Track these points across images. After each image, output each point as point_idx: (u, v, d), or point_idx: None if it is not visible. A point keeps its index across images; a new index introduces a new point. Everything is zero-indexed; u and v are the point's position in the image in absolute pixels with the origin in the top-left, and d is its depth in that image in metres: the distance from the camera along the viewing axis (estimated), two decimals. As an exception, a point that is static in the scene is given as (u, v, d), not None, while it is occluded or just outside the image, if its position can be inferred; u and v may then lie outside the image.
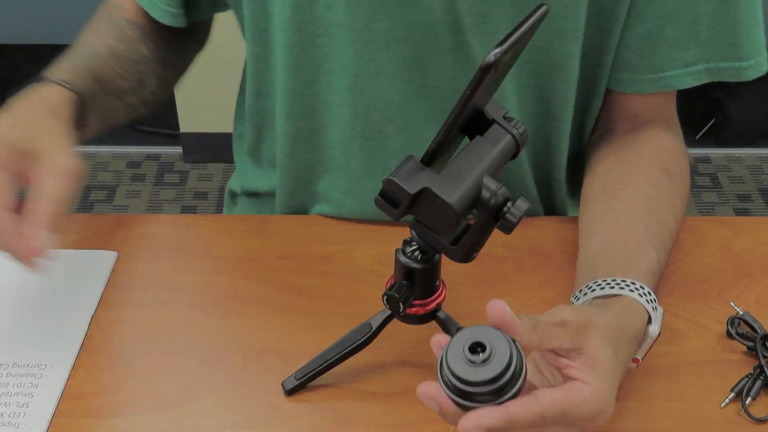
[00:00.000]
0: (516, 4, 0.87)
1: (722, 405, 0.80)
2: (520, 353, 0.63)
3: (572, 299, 0.80)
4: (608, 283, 0.78)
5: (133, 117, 1.01)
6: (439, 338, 0.65)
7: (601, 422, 0.67)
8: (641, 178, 0.91)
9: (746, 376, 0.82)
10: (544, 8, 0.67)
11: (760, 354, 0.82)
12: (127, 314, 0.89)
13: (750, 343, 0.84)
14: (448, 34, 0.90)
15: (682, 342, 0.87)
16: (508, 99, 0.94)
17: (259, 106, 1.03)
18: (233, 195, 1.18)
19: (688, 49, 0.93)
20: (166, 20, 0.99)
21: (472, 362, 0.62)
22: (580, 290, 0.79)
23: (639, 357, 0.78)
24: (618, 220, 0.87)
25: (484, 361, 0.62)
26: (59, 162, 0.78)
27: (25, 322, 0.87)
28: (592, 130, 1.02)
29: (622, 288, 0.77)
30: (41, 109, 0.86)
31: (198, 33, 1.08)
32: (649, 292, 0.78)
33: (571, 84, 0.95)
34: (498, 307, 0.64)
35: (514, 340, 0.64)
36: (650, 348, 0.78)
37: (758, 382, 0.81)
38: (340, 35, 0.91)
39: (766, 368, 0.81)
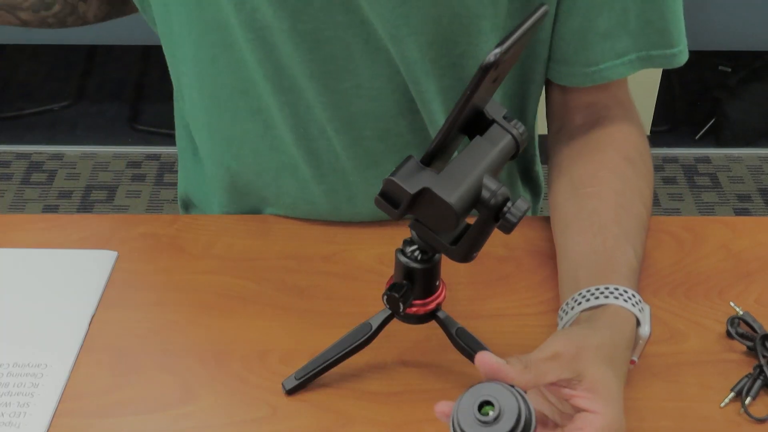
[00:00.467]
0: (436, 5, 0.87)
1: (722, 405, 0.80)
2: (525, 401, 0.65)
3: (560, 313, 0.81)
4: (592, 294, 0.79)
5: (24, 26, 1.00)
6: (443, 407, 0.66)
7: None
8: (606, 171, 0.92)
9: (746, 376, 0.82)
10: (544, 8, 0.67)
11: (760, 354, 0.82)
12: (127, 314, 0.89)
13: (750, 343, 0.84)
14: (373, 33, 0.89)
15: (682, 342, 0.87)
16: (432, 100, 0.94)
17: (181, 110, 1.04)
18: (186, 205, 1.17)
19: (619, 39, 0.93)
20: None
21: (484, 423, 0.63)
22: (567, 303, 0.80)
23: (635, 358, 0.78)
24: (592, 222, 0.87)
25: (496, 418, 0.63)
26: None
27: (25, 322, 0.87)
28: (550, 122, 1.02)
29: (606, 297, 0.78)
30: None
31: None
32: (633, 295, 0.79)
33: (541, 58, 0.96)
34: (485, 360, 0.65)
35: (518, 390, 0.65)
36: (644, 347, 0.78)
37: (758, 382, 0.81)
38: (272, 37, 0.90)
39: (765, 368, 0.81)
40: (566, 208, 0.91)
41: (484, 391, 0.65)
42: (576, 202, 0.91)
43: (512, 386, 0.65)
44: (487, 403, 0.64)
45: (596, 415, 0.68)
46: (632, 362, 0.78)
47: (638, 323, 0.78)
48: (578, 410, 0.68)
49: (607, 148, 0.94)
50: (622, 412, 0.70)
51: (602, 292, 0.79)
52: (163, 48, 0.99)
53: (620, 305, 0.77)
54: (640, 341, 0.78)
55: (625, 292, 0.78)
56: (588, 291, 0.79)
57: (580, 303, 0.79)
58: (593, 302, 0.78)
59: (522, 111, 1.02)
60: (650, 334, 0.78)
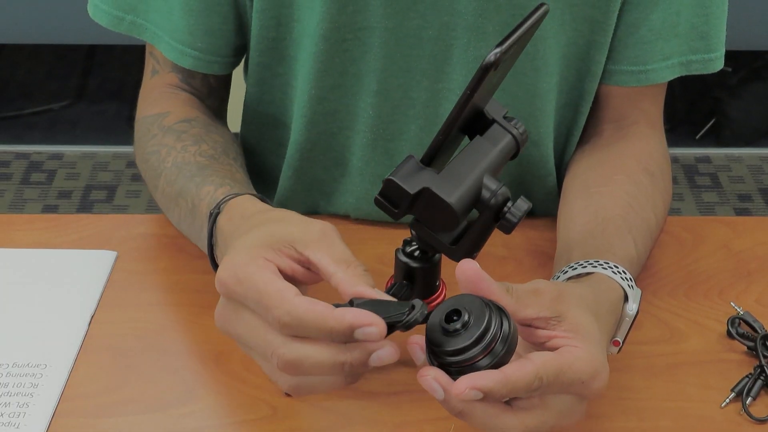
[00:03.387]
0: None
1: (722, 405, 0.80)
2: (503, 315, 0.62)
3: None
4: (581, 264, 0.78)
5: None
6: (416, 338, 0.64)
7: (600, 386, 0.66)
8: (622, 176, 0.91)
9: (746, 376, 0.82)
10: (544, 8, 0.67)
11: (760, 354, 0.82)
12: (127, 314, 0.89)
13: (750, 343, 0.84)
14: (476, 40, 0.90)
15: (682, 342, 0.87)
16: (551, 90, 0.95)
17: (262, 112, 1.02)
18: None
19: (667, 41, 0.93)
20: (216, 69, 0.97)
21: (450, 332, 0.62)
22: (555, 275, 0.79)
23: (619, 339, 0.77)
24: (597, 213, 0.87)
25: (464, 326, 0.61)
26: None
27: (25, 322, 0.87)
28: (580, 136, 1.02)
29: (594, 266, 0.77)
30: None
31: None
32: (624, 271, 0.77)
33: (596, 75, 0.96)
34: (466, 268, 0.63)
35: (495, 305, 0.63)
36: (630, 330, 0.77)
37: (758, 382, 0.81)
38: (370, 37, 0.91)
39: (766, 368, 0.81)
40: (574, 203, 0.91)
41: (453, 302, 0.63)
42: (585, 198, 0.90)
43: (491, 301, 0.63)
44: (456, 312, 0.62)
45: (575, 347, 0.65)
46: (616, 343, 0.76)
47: (626, 299, 0.76)
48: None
49: (628, 157, 0.94)
50: (606, 361, 0.67)
51: (590, 263, 0.77)
52: (252, 56, 0.98)
53: (607, 275, 0.76)
54: (626, 318, 0.76)
55: (616, 266, 0.77)
56: (577, 263, 0.78)
57: (566, 272, 0.78)
58: (580, 270, 0.77)
59: (570, 128, 1.02)
60: (636, 314, 0.76)
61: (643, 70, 0.95)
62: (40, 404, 0.79)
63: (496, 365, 0.62)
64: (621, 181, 0.91)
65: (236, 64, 1.00)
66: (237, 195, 0.79)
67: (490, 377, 0.61)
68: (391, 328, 0.62)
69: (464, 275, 0.64)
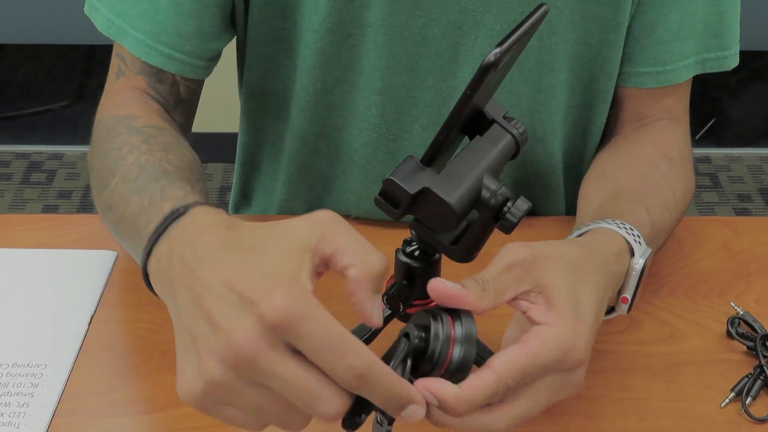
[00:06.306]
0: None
1: (722, 405, 0.80)
2: (446, 329, 0.61)
3: None
4: (585, 225, 0.76)
5: None
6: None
7: (577, 357, 0.63)
8: (639, 161, 0.91)
9: (746, 376, 0.82)
10: (544, 8, 0.67)
11: (760, 354, 0.82)
12: (127, 314, 0.89)
13: (750, 343, 0.84)
14: (482, 38, 0.90)
15: (682, 342, 0.87)
16: (558, 87, 0.95)
17: (263, 104, 1.02)
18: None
19: (685, 40, 0.93)
20: (199, 74, 0.95)
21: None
22: None
23: (627, 296, 0.74)
24: (611, 191, 0.86)
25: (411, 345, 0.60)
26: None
27: (25, 322, 0.87)
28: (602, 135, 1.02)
29: (597, 224, 0.75)
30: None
31: None
32: (631, 228, 0.74)
33: (611, 75, 0.96)
34: (438, 288, 0.61)
35: (454, 312, 0.61)
36: (638, 286, 0.74)
37: (758, 382, 0.81)
38: (375, 34, 0.91)
39: (766, 368, 0.81)
40: (590, 188, 0.90)
41: (408, 325, 0.62)
42: (602, 183, 0.89)
43: (438, 309, 0.61)
44: (406, 334, 0.61)
45: (544, 328, 0.62)
46: (624, 299, 0.74)
47: (632, 254, 0.74)
48: (533, 325, 0.64)
49: (646, 145, 0.94)
50: (585, 329, 0.64)
51: (594, 222, 0.75)
52: (255, 48, 0.97)
53: (610, 228, 0.73)
54: (633, 273, 0.74)
55: (622, 223, 0.74)
56: (582, 226, 0.76)
57: (571, 234, 0.76)
58: (583, 230, 0.75)
59: (586, 127, 1.01)
60: (643, 270, 0.74)
61: (663, 70, 0.95)
62: (40, 404, 0.79)
63: (459, 373, 0.61)
64: (638, 165, 0.90)
65: (211, 70, 0.97)
66: (208, 204, 0.69)
67: (447, 391, 0.59)
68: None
69: (438, 296, 0.62)
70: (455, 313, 0.62)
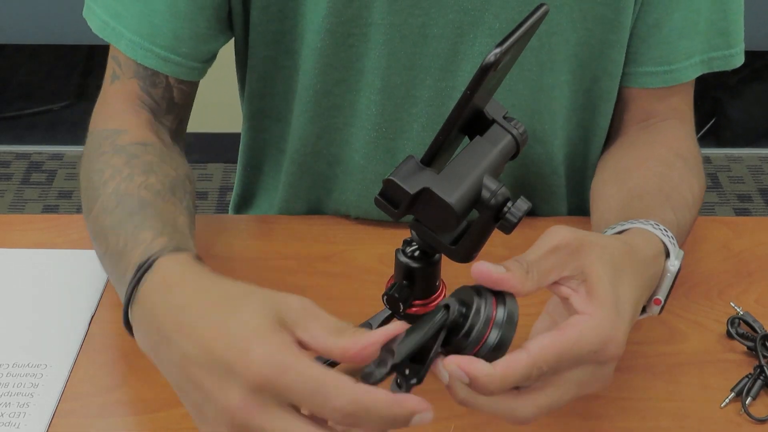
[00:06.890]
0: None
1: (722, 405, 0.80)
2: (497, 300, 0.61)
3: None
4: (620, 224, 0.75)
5: None
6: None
7: (613, 351, 0.63)
8: (654, 161, 0.90)
9: (746, 376, 0.82)
10: (544, 8, 0.67)
11: (760, 354, 0.82)
12: (127, 314, 0.89)
13: (750, 343, 0.84)
14: (482, 37, 0.90)
15: (682, 342, 0.87)
16: (559, 88, 0.94)
17: (265, 106, 1.02)
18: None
19: (690, 39, 0.93)
20: (194, 76, 0.94)
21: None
22: None
23: (660, 298, 0.73)
24: (631, 190, 0.85)
25: (452, 321, 0.61)
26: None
27: (25, 322, 0.87)
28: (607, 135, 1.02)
29: (633, 223, 0.74)
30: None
31: None
32: (665, 229, 0.74)
33: (614, 76, 0.96)
34: (482, 271, 0.61)
35: (489, 291, 0.62)
36: (671, 288, 0.74)
37: (758, 382, 0.81)
38: (375, 34, 0.91)
39: (766, 368, 0.81)
40: (606, 190, 0.89)
41: (449, 298, 0.62)
42: (618, 183, 0.88)
43: (482, 288, 0.61)
44: (447, 306, 0.61)
45: (582, 317, 0.62)
46: (657, 301, 0.73)
47: (668, 256, 0.73)
48: (572, 314, 0.63)
49: (658, 145, 0.93)
50: (622, 321, 0.63)
51: (630, 222, 0.74)
52: (256, 50, 0.96)
53: (646, 228, 0.72)
54: (668, 275, 0.73)
55: (657, 224, 0.73)
56: (617, 224, 0.75)
57: (604, 232, 0.75)
58: (618, 228, 0.74)
59: (589, 128, 1.01)
60: (678, 272, 0.73)
61: (669, 70, 0.95)
62: (40, 404, 0.79)
63: (493, 353, 0.61)
64: (653, 165, 0.89)
65: (206, 71, 0.96)
66: (174, 251, 0.71)
67: (479, 368, 0.59)
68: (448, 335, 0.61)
69: (481, 279, 0.62)
70: (500, 296, 0.62)
